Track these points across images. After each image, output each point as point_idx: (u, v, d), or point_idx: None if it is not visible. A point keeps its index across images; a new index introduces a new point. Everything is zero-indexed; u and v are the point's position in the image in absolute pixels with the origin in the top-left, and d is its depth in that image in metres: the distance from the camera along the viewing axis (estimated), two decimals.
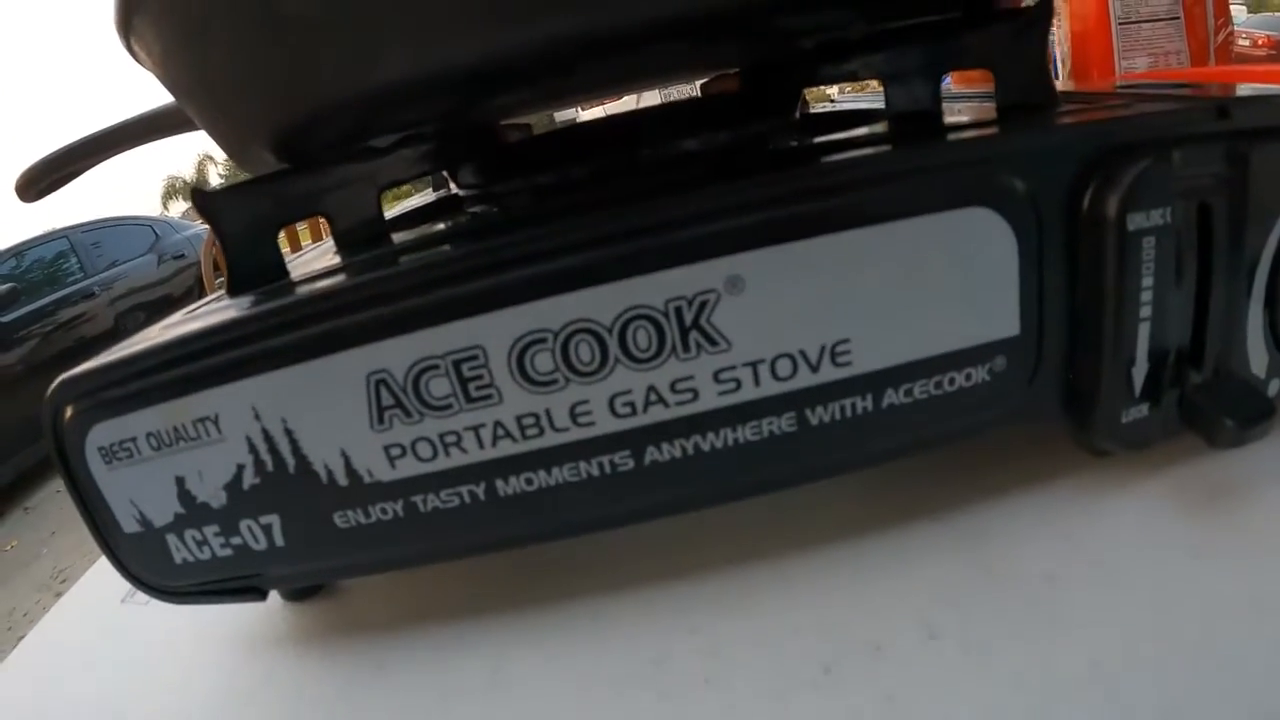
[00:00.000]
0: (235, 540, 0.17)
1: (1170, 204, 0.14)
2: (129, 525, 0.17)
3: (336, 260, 0.19)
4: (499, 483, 0.16)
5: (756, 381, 0.16)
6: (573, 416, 0.16)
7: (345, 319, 0.15)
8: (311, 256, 0.22)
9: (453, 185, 0.24)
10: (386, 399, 0.16)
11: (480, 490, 0.16)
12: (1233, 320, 0.16)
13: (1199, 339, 0.16)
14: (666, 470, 0.16)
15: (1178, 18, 0.42)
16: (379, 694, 0.17)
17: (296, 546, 0.17)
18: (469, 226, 0.19)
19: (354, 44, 0.15)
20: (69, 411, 0.17)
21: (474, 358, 0.15)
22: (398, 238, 0.19)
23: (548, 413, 0.16)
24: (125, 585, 0.19)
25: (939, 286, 0.15)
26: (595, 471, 0.16)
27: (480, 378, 0.15)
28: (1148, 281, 0.15)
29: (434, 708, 0.16)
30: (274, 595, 0.21)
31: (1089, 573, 0.15)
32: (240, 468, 0.16)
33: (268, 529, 0.17)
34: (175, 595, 0.18)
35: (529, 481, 0.16)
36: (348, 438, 0.16)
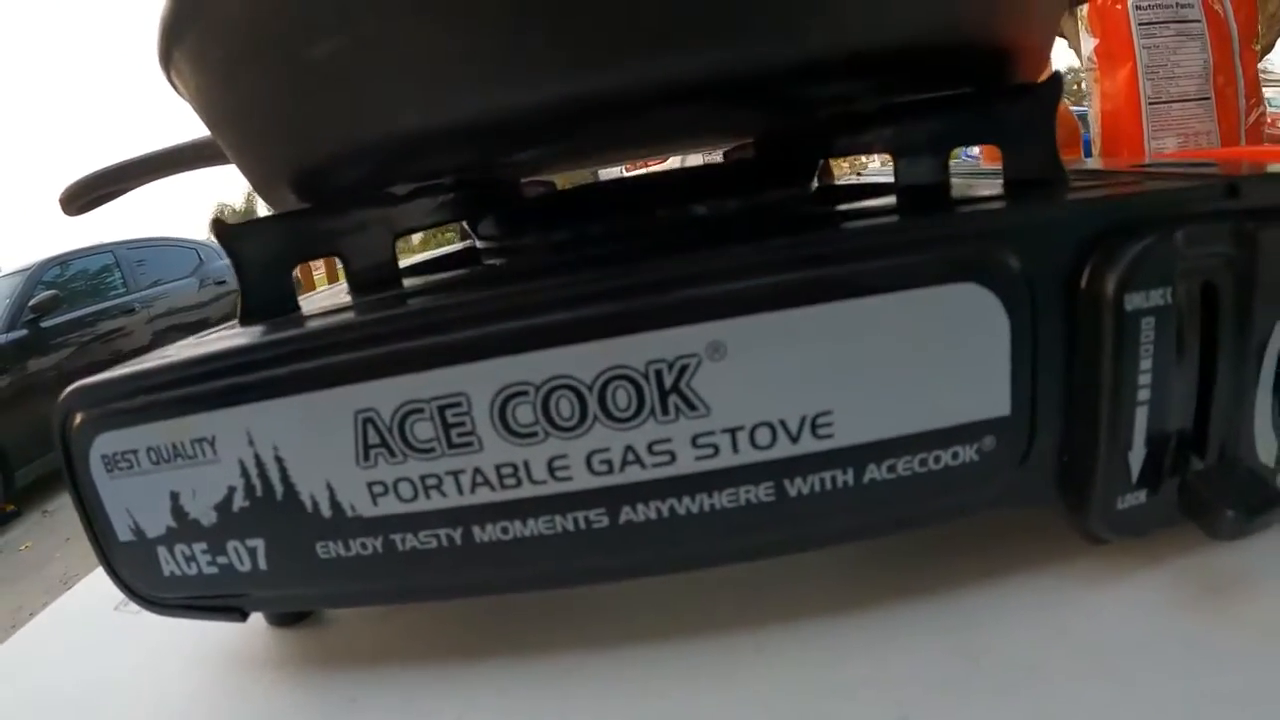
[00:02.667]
0: (221, 559, 0.18)
1: (1172, 284, 0.14)
2: (124, 534, 0.18)
3: (346, 300, 0.19)
4: (475, 529, 0.16)
5: (735, 448, 0.16)
6: (550, 470, 0.16)
7: (339, 356, 0.16)
8: (324, 295, 0.23)
9: (474, 238, 0.25)
10: (373, 437, 0.16)
11: (457, 535, 0.16)
12: (1240, 405, 0.15)
13: (1202, 424, 0.15)
14: (641, 531, 0.16)
15: (1208, 98, 0.41)
16: None
17: (278, 572, 0.18)
18: (470, 278, 0.19)
19: (372, 93, 0.16)
20: (78, 419, 0.18)
21: (458, 404, 0.16)
22: (408, 283, 0.20)
23: (526, 464, 0.16)
24: (119, 593, 0.19)
25: (926, 362, 0.15)
26: (570, 526, 0.16)
27: (463, 424, 0.16)
28: (1146, 364, 0.14)
29: None
30: (260, 619, 0.21)
31: (1077, 664, 0.15)
32: (231, 489, 0.17)
33: (253, 552, 0.18)
34: (161, 606, 0.19)
35: (504, 530, 0.16)
36: (334, 471, 0.16)
